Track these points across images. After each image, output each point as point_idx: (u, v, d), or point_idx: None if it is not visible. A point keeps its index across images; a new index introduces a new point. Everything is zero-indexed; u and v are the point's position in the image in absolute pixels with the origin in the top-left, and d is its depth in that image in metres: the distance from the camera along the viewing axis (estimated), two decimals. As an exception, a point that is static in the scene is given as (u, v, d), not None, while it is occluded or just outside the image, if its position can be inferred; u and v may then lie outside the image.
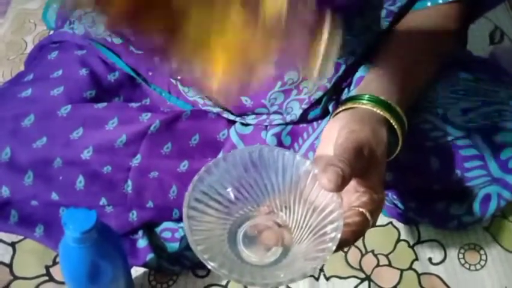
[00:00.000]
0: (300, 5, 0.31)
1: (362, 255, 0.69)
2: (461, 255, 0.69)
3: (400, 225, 0.71)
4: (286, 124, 0.66)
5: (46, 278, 0.66)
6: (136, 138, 0.61)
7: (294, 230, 0.44)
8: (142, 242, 0.65)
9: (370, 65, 0.60)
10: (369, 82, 0.56)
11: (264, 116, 0.66)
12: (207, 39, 0.32)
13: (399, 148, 0.52)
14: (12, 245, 0.69)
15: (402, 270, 0.68)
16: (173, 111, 0.65)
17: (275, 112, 0.65)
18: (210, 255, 0.38)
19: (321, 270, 0.67)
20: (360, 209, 0.43)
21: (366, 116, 0.50)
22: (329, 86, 0.64)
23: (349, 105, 0.52)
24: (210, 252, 0.39)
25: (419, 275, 0.67)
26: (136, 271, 0.66)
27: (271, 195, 0.45)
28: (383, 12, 0.63)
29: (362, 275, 0.67)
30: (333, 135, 0.48)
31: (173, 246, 0.66)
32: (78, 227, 0.48)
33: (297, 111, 0.64)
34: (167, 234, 0.67)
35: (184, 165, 0.63)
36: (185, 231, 0.39)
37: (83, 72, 0.66)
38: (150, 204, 0.63)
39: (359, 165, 0.44)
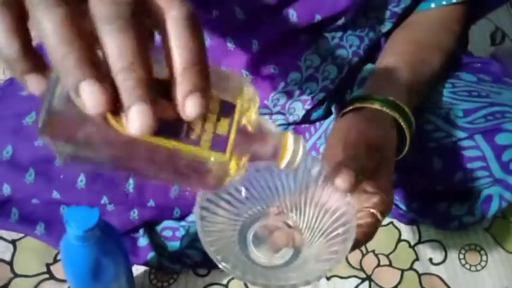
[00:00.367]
0: None
1: (363, 255, 0.69)
2: (461, 256, 0.69)
3: (401, 226, 0.71)
4: (289, 124, 0.66)
5: (47, 275, 0.66)
6: None
7: (305, 231, 0.43)
8: (143, 241, 0.65)
9: (376, 65, 0.60)
10: (375, 82, 0.56)
11: (267, 117, 0.66)
12: None
13: (407, 148, 0.51)
14: (13, 242, 0.69)
15: (403, 271, 0.68)
16: None
17: (278, 112, 0.65)
18: (223, 256, 0.38)
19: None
20: (371, 210, 0.43)
21: (375, 115, 0.50)
22: (331, 86, 0.64)
23: (357, 105, 0.51)
24: (222, 253, 0.38)
25: (419, 275, 0.67)
26: (137, 269, 0.66)
27: (282, 196, 0.44)
28: (387, 13, 0.63)
29: (363, 275, 0.67)
30: (341, 135, 0.47)
31: (174, 244, 0.66)
32: (80, 225, 0.47)
33: (299, 112, 0.64)
34: (168, 233, 0.66)
35: None
36: (198, 232, 0.38)
37: None
38: (151, 203, 0.63)
39: (370, 165, 0.43)
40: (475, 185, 0.61)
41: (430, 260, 0.69)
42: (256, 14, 0.57)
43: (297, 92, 0.64)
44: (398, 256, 0.69)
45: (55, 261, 0.67)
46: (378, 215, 0.43)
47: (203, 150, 0.29)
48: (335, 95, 0.65)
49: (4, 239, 0.69)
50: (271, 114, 0.66)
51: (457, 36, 0.63)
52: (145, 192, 0.62)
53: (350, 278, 0.67)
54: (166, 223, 0.67)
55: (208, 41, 0.62)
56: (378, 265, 0.68)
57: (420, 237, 0.71)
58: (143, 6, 0.26)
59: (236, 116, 0.30)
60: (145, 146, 0.28)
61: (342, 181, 0.40)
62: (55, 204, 0.62)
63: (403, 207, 0.67)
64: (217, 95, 0.30)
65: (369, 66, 0.65)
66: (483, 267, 0.68)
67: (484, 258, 0.69)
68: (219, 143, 0.29)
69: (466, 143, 0.59)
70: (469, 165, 0.60)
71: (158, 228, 0.67)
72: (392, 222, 0.72)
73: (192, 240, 0.66)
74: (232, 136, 0.30)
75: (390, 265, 0.68)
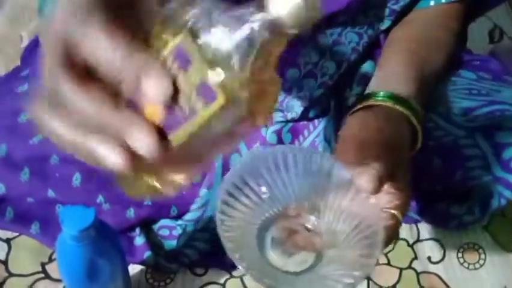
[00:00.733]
0: None
1: (361, 254, 0.68)
2: (460, 254, 0.69)
3: (399, 224, 0.71)
4: (287, 121, 0.66)
5: (42, 275, 0.65)
6: None
7: (325, 234, 0.42)
8: (139, 240, 0.64)
9: (380, 63, 0.59)
10: (383, 79, 0.55)
11: None
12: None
13: (419, 145, 0.50)
14: (8, 241, 0.68)
15: (401, 269, 0.67)
16: None
17: (276, 110, 0.65)
18: (240, 254, 0.37)
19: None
20: (392, 211, 0.42)
21: (389, 114, 0.49)
22: (330, 83, 0.63)
23: (368, 102, 0.50)
24: (239, 251, 0.37)
25: (418, 274, 0.67)
26: (133, 269, 0.66)
27: (300, 198, 0.43)
28: (386, 11, 0.62)
29: (361, 274, 0.67)
30: (354, 134, 0.46)
31: (171, 243, 0.65)
32: (76, 225, 0.47)
33: (298, 109, 0.64)
34: (164, 232, 0.66)
35: None
36: (217, 227, 0.37)
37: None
38: (147, 201, 0.62)
39: (389, 164, 0.43)
40: (474, 183, 0.61)
41: (429, 258, 0.68)
42: None
43: (295, 89, 0.64)
44: (397, 255, 0.68)
45: (50, 260, 0.66)
46: (399, 216, 0.42)
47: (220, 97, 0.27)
48: (334, 92, 0.65)
49: (-1, 238, 0.68)
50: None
51: (456, 34, 0.63)
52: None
53: (348, 277, 0.66)
54: (163, 222, 0.66)
55: None
56: (377, 263, 0.67)
57: (418, 235, 0.70)
58: None
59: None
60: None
61: (366, 183, 0.39)
62: (51, 203, 0.61)
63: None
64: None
65: (368, 63, 0.64)
66: (481, 266, 0.68)
67: (483, 256, 0.68)
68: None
69: (465, 142, 0.59)
70: (468, 164, 0.59)
71: (155, 227, 0.66)
72: (390, 221, 0.71)
73: (189, 239, 0.65)
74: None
75: (388, 264, 0.68)
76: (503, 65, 0.66)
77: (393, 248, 0.69)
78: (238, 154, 0.64)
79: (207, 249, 0.65)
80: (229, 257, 0.66)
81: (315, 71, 0.63)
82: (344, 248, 0.41)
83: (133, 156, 0.28)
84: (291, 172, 0.42)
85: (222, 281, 0.66)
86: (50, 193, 0.60)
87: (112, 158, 0.28)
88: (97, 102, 0.27)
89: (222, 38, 0.27)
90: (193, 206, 0.64)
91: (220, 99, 0.27)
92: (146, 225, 0.66)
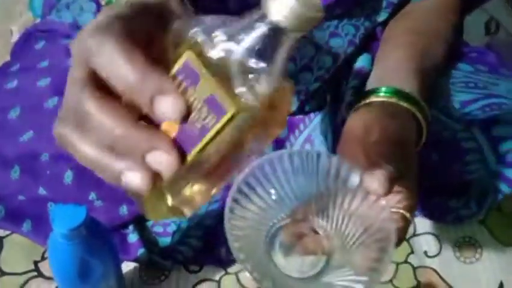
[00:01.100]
0: None
1: (357, 249, 0.68)
2: (456, 249, 0.68)
3: (395, 219, 0.71)
4: (283, 115, 0.65)
5: (35, 273, 0.64)
6: None
7: (334, 237, 0.41)
8: (132, 237, 0.64)
9: (379, 58, 0.58)
10: (384, 74, 0.54)
11: None
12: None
13: (423, 140, 0.49)
14: (0, 239, 0.67)
15: (397, 264, 0.67)
16: None
17: None
18: (246, 255, 0.36)
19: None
20: (401, 211, 0.41)
21: (393, 111, 0.48)
22: (326, 76, 0.62)
23: (370, 99, 0.49)
24: (245, 252, 0.37)
25: (414, 268, 0.66)
26: (127, 266, 0.65)
27: (309, 200, 0.42)
28: (383, 3, 0.61)
29: (357, 269, 0.66)
30: (357, 131, 0.45)
31: (165, 240, 0.64)
32: (66, 224, 0.46)
33: (294, 103, 0.63)
34: (158, 229, 0.65)
35: None
36: (224, 223, 0.36)
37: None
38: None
39: (397, 163, 0.42)
40: (471, 177, 0.60)
41: (425, 253, 0.68)
42: (249, 4, 0.56)
43: None
44: (393, 249, 0.68)
45: (43, 258, 0.65)
46: (408, 216, 0.41)
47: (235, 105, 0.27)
48: (330, 86, 0.64)
49: (-10, 236, 0.67)
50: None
51: (454, 26, 0.62)
52: (134, 187, 0.61)
53: (344, 272, 0.66)
54: (157, 218, 0.65)
55: None
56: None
57: (415, 230, 0.70)
58: None
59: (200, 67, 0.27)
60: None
61: (376, 186, 0.38)
62: (42, 201, 0.60)
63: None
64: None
65: (364, 56, 0.63)
66: (478, 260, 0.67)
67: (479, 251, 0.68)
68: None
69: (463, 135, 0.58)
70: (466, 158, 0.59)
71: (149, 224, 0.66)
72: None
73: (184, 236, 0.65)
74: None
75: (384, 259, 0.67)
76: (499, 58, 0.65)
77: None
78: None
79: (201, 246, 0.65)
80: (223, 254, 0.66)
81: (311, 65, 0.62)
82: (353, 252, 0.40)
83: (155, 175, 0.28)
84: (297, 175, 0.41)
85: (217, 277, 0.65)
86: (41, 191, 0.59)
87: (137, 180, 0.28)
88: (120, 120, 0.28)
89: (228, 50, 0.27)
90: (187, 203, 0.63)
91: (230, 112, 0.27)
92: (139, 222, 0.65)
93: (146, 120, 0.29)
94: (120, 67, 0.28)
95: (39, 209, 0.61)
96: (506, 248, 0.68)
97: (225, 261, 0.65)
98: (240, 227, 0.38)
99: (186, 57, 0.28)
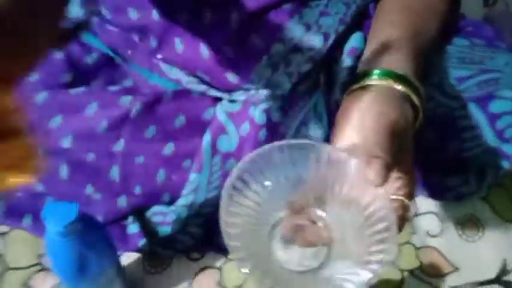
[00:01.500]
0: None
1: (358, 231, 0.68)
2: (459, 227, 0.68)
3: (396, 199, 0.70)
4: (276, 99, 0.64)
5: (39, 267, 0.65)
6: (117, 123, 0.59)
7: (334, 229, 0.40)
8: (133, 228, 0.64)
9: (371, 37, 0.56)
10: (377, 54, 0.52)
11: (253, 92, 0.63)
12: None
13: (419, 122, 0.48)
14: (2, 234, 0.68)
15: (399, 245, 0.66)
16: (154, 93, 0.63)
17: (263, 87, 0.63)
18: (241, 243, 0.36)
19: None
20: (400, 198, 0.40)
21: (388, 94, 0.46)
22: (318, 57, 0.61)
23: (365, 83, 0.47)
24: (241, 241, 0.37)
25: (416, 249, 0.66)
26: (129, 257, 0.65)
27: (305, 191, 0.41)
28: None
29: (358, 251, 0.66)
30: (351, 116, 0.44)
31: (165, 230, 0.64)
32: (59, 221, 0.46)
33: (287, 85, 0.62)
34: (158, 218, 0.65)
35: (169, 148, 0.61)
36: (220, 210, 0.36)
37: (59, 55, 0.63)
38: (138, 190, 0.62)
39: (394, 150, 0.41)
40: (470, 154, 0.59)
41: (427, 232, 0.67)
42: (226, 19, 0.55)
43: (282, 65, 0.62)
44: (394, 230, 0.67)
45: (46, 252, 0.66)
46: (406, 202, 0.40)
47: None
48: (323, 66, 0.63)
49: (-6, 232, 0.68)
50: (256, 89, 0.63)
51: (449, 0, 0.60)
52: (130, 179, 0.61)
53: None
54: (156, 208, 0.65)
55: (185, 15, 0.59)
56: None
57: (416, 210, 0.69)
58: None
59: None
60: None
61: (375, 175, 0.38)
62: (40, 197, 0.61)
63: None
64: None
65: (357, 34, 0.62)
66: (480, 238, 0.67)
67: (481, 229, 0.67)
68: None
69: (459, 112, 0.57)
70: (463, 135, 0.58)
71: (148, 214, 0.66)
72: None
73: (183, 225, 0.65)
74: None
75: (386, 240, 0.67)
76: (496, 31, 0.63)
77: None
78: (226, 135, 0.62)
79: (201, 234, 0.65)
80: (224, 241, 0.66)
81: (301, 45, 0.61)
82: (354, 243, 0.39)
83: None
84: (292, 166, 0.40)
85: (218, 264, 0.66)
86: (38, 187, 0.59)
87: None
88: None
89: None
90: (184, 191, 0.63)
91: None
92: (139, 212, 0.65)
93: None
94: None
95: (38, 205, 0.61)
96: (508, 225, 0.68)
97: (226, 248, 0.65)
98: (237, 225, 0.38)
99: None
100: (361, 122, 0.43)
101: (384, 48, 0.52)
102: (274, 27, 0.59)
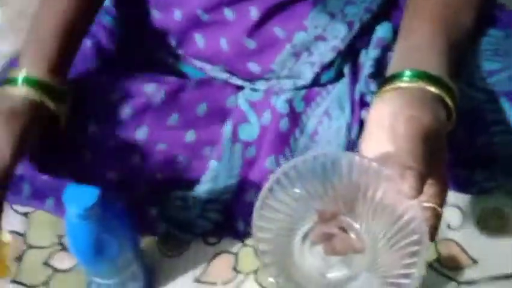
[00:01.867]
0: None
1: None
2: (480, 221, 0.67)
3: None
4: (299, 89, 0.63)
5: (59, 247, 0.67)
6: (140, 111, 0.59)
7: (365, 238, 0.39)
8: (153, 212, 0.64)
9: (403, 34, 0.52)
10: (409, 53, 0.49)
11: (274, 81, 0.63)
12: None
13: (452, 124, 0.46)
14: (26, 215, 0.69)
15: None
16: (178, 81, 0.63)
17: (285, 77, 0.63)
18: (272, 259, 0.37)
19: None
20: (432, 205, 0.39)
21: (421, 97, 0.44)
22: (342, 46, 0.60)
23: (396, 85, 0.45)
24: (274, 262, 0.37)
25: (436, 241, 0.65)
26: (147, 240, 0.66)
27: (336, 200, 0.40)
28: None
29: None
30: (382, 119, 0.42)
31: (184, 214, 0.65)
32: (79, 204, 0.47)
33: (309, 75, 0.61)
34: (178, 203, 0.66)
35: (190, 135, 0.61)
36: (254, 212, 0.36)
37: (88, 43, 0.64)
38: (159, 175, 0.62)
39: (427, 157, 0.39)
40: (498, 148, 0.57)
41: (448, 225, 0.66)
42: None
43: (304, 54, 0.61)
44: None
45: (67, 233, 0.68)
46: (439, 209, 0.39)
47: None
48: (347, 56, 0.62)
49: (17, 212, 0.69)
50: (279, 78, 0.63)
51: None
52: (152, 164, 0.61)
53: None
54: (176, 193, 0.66)
55: (206, 15, 0.59)
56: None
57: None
58: None
59: None
60: None
61: (409, 188, 0.36)
62: (63, 180, 0.61)
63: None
64: None
65: (385, 24, 0.60)
66: (501, 232, 0.66)
67: (503, 222, 0.66)
68: None
69: (488, 106, 0.55)
70: (491, 129, 0.56)
71: (168, 198, 0.66)
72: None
73: (202, 210, 0.65)
74: None
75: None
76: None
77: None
78: (247, 123, 0.62)
79: (220, 220, 0.65)
80: (241, 227, 0.66)
81: (324, 35, 0.60)
82: (384, 254, 0.38)
83: None
84: (323, 175, 0.39)
85: (235, 249, 0.66)
86: (63, 170, 0.60)
87: None
88: None
89: None
90: (204, 178, 0.63)
91: None
92: (159, 197, 0.66)
93: None
94: None
95: (61, 188, 0.61)
96: (532, 220, 0.66)
97: (243, 234, 0.65)
98: (267, 230, 0.38)
99: None
100: (392, 128, 0.41)
101: (417, 47, 0.49)
102: (296, 16, 0.58)
